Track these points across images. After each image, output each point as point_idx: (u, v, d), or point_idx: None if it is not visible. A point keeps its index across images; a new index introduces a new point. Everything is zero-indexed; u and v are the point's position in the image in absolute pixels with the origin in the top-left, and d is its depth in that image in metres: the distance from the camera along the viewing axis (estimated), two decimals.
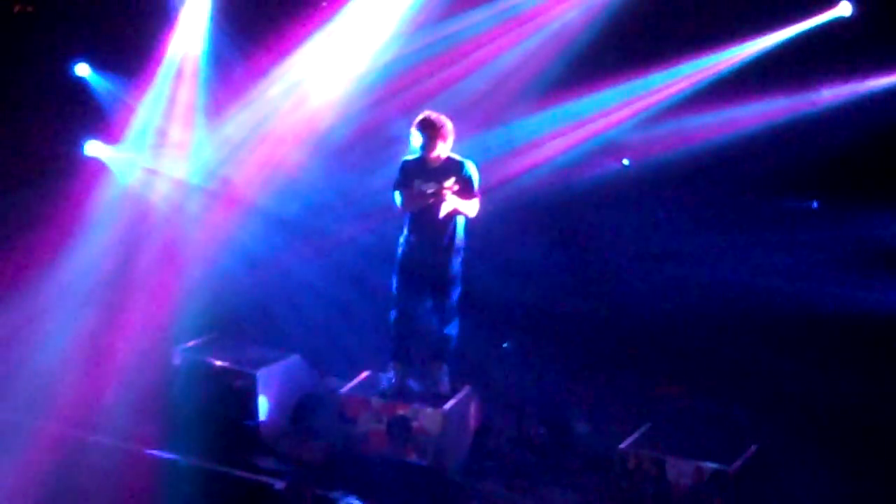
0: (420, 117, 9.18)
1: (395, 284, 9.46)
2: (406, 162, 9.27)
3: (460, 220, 9.28)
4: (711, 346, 10.28)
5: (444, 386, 9.46)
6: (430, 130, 9.09)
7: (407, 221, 9.32)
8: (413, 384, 9.55)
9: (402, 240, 9.38)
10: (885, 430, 9.38)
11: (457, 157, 9.24)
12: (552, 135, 11.02)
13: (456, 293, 9.40)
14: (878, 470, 9.10)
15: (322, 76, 11.35)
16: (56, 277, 11.10)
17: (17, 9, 12.29)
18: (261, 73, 11.40)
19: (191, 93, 11.77)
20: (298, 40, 11.24)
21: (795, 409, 9.71)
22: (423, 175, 9.16)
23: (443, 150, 9.14)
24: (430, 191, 9.06)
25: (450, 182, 9.04)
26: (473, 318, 10.63)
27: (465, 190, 9.14)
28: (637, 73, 10.66)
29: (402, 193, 9.22)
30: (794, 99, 10.16)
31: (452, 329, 9.49)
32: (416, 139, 9.14)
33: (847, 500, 8.87)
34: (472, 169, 9.18)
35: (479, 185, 9.23)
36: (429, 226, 9.21)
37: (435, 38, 11.02)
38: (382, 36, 11.15)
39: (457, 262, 9.34)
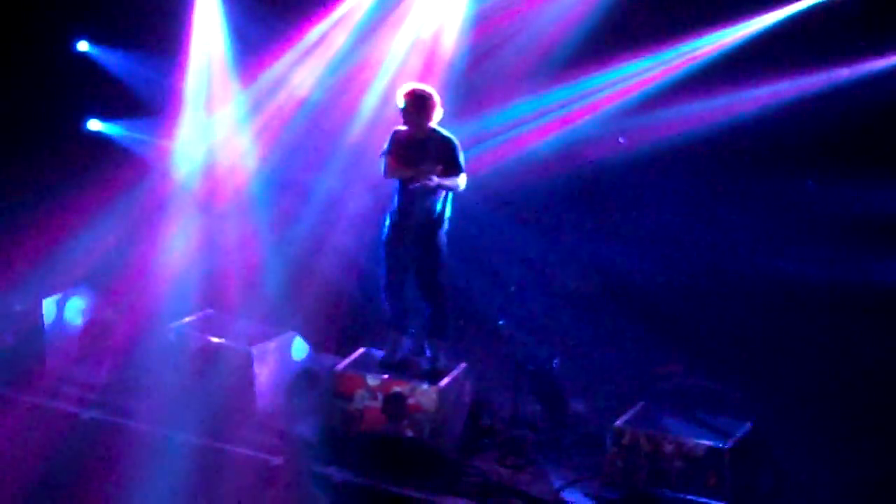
0: (406, 89, 9.25)
1: (382, 257, 9.50)
2: (396, 131, 9.35)
3: (446, 194, 9.34)
4: (708, 323, 10.29)
5: (441, 361, 9.48)
6: (417, 102, 9.17)
7: (395, 195, 9.37)
8: (411, 355, 9.58)
9: (389, 213, 9.43)
10: (882, 408, 9.40)
11: (442, 131, 9.29)
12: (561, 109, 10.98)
13: (441, 267, 9.44)
14: (874, 448, 9.12)
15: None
16: (64, 259, 11.09)
17: None
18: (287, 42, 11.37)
19: (222, 70, 11.77)
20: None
21: (791, 386, 9.73)
22: (409, 145, 9.25)
23: (428, 122, 9.21)
24: (416, 184, 9.13)
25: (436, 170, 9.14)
26: (471, 294, 10.66)
27: (452, 167, 9.20)
28: (632, 54, 10.62)
29: (386, 161, 9.31)
30: (795, 78, 10.12)
31: (441, 303, 9.51)
32: (401, 110, 9.21)
33: (842, 478, 8.89)
34: (458, 148, 9.25)
35: (465, 160, 9.29)
36: (415, 200, 9.25)
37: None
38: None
39: (442, 236, 9.40)
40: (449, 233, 9.43)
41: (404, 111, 9.21)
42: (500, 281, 10.95)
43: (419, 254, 9.40)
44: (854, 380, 9.64)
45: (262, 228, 11.41)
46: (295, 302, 10.77)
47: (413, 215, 9.30)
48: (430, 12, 11.04)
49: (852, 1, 9.84)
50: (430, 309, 9.52)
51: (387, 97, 10.72)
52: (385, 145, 9.35)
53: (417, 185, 9.15)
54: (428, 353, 9.55)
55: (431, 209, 9.30)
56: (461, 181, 9.26)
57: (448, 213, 9.39)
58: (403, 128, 9.31)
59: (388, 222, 9.45)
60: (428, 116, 9.19)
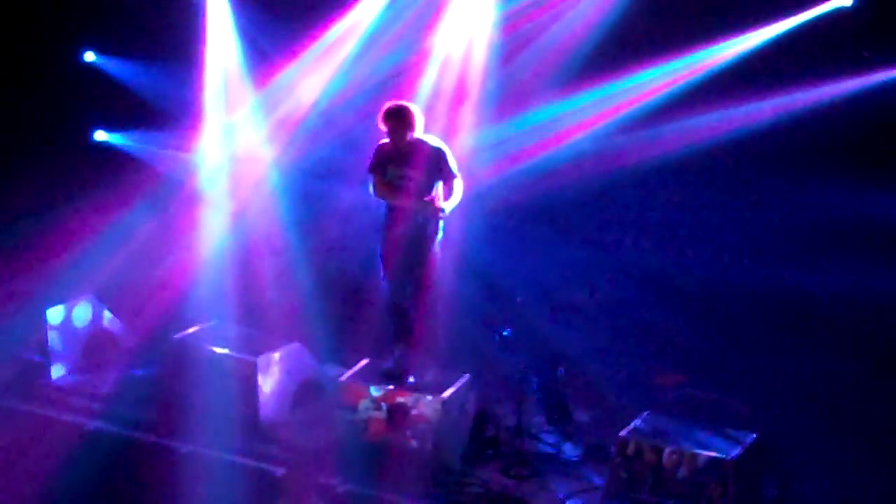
0: (383, 109, 9.26)
1: (380, 271, 9.53)
2: (380, 146, 9.37)
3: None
4: (712, 334, 10.28)
5: (429, 373, 9.53)
6: (394, 120, 9.20)
7: (385, 208, 9.40)
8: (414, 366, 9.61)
9: (382, 226, 9.44)
10: (888, 417, 9.38)
11: (430, 141, 9.32)
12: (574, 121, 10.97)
13: (433, 277, 9.45)
14: (880, 457, 9.10)
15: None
16: (73, 269, 11.13)
17: None
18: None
19: (238, 78, 11.81)
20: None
21: (796, 397, 9.72)
22: (396, 160, 9.28)
23: (410, 136, 9.24)
24: (431, 217, 9.22)
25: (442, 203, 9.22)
26: (476, 305, 10.66)
27: (445, 174, 9.25)
28: (647, 62, 10.61)
29: (373, 180, 9.34)
30: (800, 89, 10.10)
31: (430, 314, 9.53)
32: (383, 130, 9.24)
33: (847, 488, 8.88)
34: (447, 155, 9.28)
35: (456, 165, 9.32)
36: (406, 218, 9.30)
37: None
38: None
39: (436, 248, 9.41)
40: (443, 243, 9.45)
41: (388, 132, 9.23)
42: (507, 290, 10.96)
43: (412, 267, 9.40)
44: (860, 389, 9.62)
45: (278, 236, 11.45)
46: (304, 312, 10.80)
47: (405, 232, 9.32)
48: (450, 23, 11.07)
49: (869, 8, 9.83)
50: (418, 321, 9.51)
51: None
52: (371, 160, 9.37)
53: (431, 218, 9.19)
54: (405, 361, 9.56)
55: (424, 225, 9.32)
56: (458, 187, 9.29)
57: (441, 224, 9.39)
58: (386, 141, 9.33)
59: (381, 239, 9.46)
60: (409, 128, 9.22)
